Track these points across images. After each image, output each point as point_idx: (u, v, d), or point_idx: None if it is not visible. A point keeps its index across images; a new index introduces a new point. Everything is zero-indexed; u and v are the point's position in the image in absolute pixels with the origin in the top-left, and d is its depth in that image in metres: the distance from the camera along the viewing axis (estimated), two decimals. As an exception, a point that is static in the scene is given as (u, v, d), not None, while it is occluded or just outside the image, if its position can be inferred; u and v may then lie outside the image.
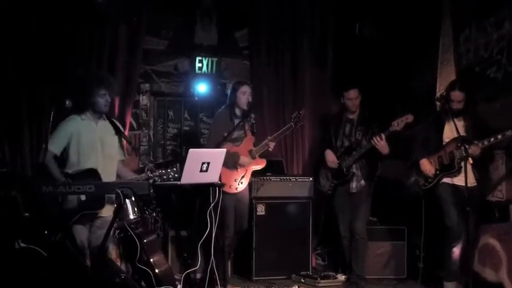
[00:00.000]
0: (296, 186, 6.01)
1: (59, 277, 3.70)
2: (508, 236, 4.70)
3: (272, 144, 5.30)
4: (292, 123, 5.37)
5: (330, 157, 5.49)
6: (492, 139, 4.57)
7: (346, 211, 5.49)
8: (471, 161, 4.63)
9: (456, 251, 4.87)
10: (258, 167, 5.45)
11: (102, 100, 4.23)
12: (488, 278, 4.80)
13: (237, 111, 5.30)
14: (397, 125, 5.03)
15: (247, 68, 6.74)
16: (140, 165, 6.23)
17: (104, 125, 4.38)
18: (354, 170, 5.40)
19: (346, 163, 5.40)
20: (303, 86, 6.67)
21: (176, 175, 4.31)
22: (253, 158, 5.29)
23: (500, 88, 5.03)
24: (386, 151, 5.18)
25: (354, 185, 5.41)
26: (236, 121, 5.27)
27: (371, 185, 5.46)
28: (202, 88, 6.40)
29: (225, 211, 5.02)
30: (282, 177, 6.05)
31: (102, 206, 4.10)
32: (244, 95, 5.26)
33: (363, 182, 5.39)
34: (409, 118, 4.98)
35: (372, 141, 5.17)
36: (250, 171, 5.36)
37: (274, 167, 6.23)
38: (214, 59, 6.44)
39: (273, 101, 6.64)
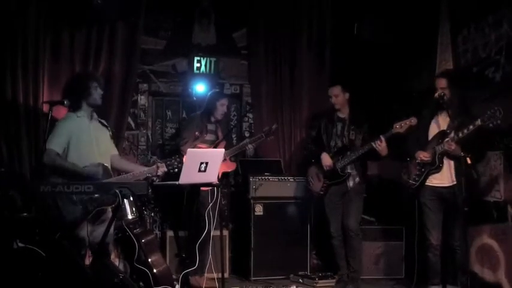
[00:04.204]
0: (294, 186, 6.02)
1: (57, 277, 3.70)
2: (505, 236, 4.71)
3: (250, 146, 5.59)
4: (263, 134, 5.65)
5: (327, 161, 5.38)
6: (465, 130, 4.47)
7: (338, 211, 5.45)
8: (470, 161, 4.55)
9: (433, 253, 4.88)
10: (228, 170, 5.73)
11: (96, 92, 4.36)
12: (486, 279, 4.81)
13: (211, 119, 5.66)
14: (400, 127, 4.98)
15: (246, 68, 6.73)
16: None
17: (95, 124, 4.46)
18: (349, 170, 5.37)
19: (341, 164, 5.33)
20: (300, 86, 6.66)
21: (180, 165, 4.38)
22: (224, 160, 5.30)
23: (498, 88, 5.03)
24: (386, 153, 5.17)
25: (351, 184, 5.37)
26: (209, 125, 5.63)
27: (364, 183, 5.44)
28: (200, 88, 6.37)
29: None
30: (280, 177, 6.06)
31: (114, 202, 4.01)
32: (222, 106, 5.66)
33: (357, 179, 5.37)
34: (413, 121, 4.94)
35: (373, 144, 5.12)
36: (221, 173, 5.35)
37: (272, 167, 6.24)
38: (213, 59, 6.40)
39: (271, 101, 6.63)
